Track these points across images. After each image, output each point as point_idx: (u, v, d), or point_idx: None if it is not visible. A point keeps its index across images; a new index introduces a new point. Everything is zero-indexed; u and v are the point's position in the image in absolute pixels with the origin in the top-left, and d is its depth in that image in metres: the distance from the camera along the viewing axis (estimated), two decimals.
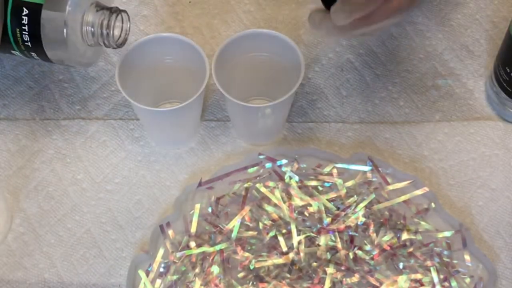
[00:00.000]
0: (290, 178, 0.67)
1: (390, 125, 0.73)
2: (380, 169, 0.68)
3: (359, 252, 0.64)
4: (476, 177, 0.71)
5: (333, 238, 0.65)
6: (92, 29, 0.61)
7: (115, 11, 0.63)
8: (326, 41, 0.77)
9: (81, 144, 0.73)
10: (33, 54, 0.60)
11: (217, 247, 0.64)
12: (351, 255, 0.64)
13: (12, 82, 0.76)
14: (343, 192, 0.67)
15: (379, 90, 0.75)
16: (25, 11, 0.57)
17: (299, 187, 0.67)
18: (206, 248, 0.64)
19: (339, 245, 0.64)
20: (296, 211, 0.66)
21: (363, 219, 0.65)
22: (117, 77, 0.65)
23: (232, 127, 0.73)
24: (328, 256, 0.64)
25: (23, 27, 0.58)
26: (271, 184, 0.67)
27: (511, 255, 0.67)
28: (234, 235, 0.65)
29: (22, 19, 0.58)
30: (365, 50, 0.77)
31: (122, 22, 0.63)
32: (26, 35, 0.58)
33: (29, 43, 0.59)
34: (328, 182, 0.68)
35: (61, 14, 0.59)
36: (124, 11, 0.63)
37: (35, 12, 0.58)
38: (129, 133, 0.73)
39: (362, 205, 0.66)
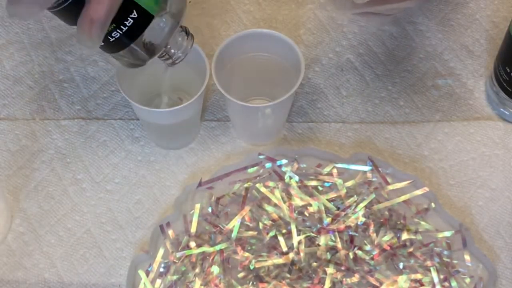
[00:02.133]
0: (290, 178, 0.67)
1: (390, 125, 0.73)
2: (380, 169, 0.68)
3: (359, 252, 0.64)
4: (476, 177, 0.71)
5: (333, 238, 0.65)
6: (181, 54, 0.61)
7: (190, 34, 0.61)
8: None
9: (81, 144, 0.73)
10: (102, 46, 0.58)
11: (217, 247, 0.64)
12: (351, 255, 0.64)
13: (12, 82, 0.76)
14: (343, 192, 0.67)
15: (379, 90, 0.75)
16: (134, 14, 0.55)
17: (299, 187, 0.67)
18: (206, 248, 0.64)
19: (339, 245, 0.64)
20: (296, 211, 0.66)
21: (363, 219, 0.65)
22: (117, 77, 0.65)
23: (232, 127, 0.73)
24: (328, 256, 0.64)
25: (121, 26, 0.55)
26: (271, 184, 0.67)
27: (511, 255, 0.67)
28: (234, 235, 0.65)
29: (127, 20, 0.55)
30: (365, 50, 0.77)
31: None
32: (118, 33, 0.55)
33: (113, 39, 0.56)
34: (328, 182, 0.68)
35: (167, 33, 0.58)
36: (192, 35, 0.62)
37: (144, 20, 0.55)
38: (129, 133, 0.73)
39: (362, 205, 0.66)
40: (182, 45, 0.61)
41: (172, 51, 0.61)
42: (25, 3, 0.51)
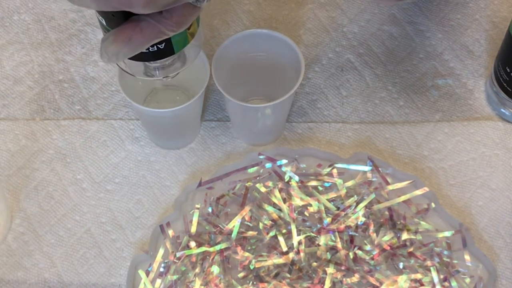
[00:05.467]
0: (290, 178, 0.67)
1: (390, 125, 0.73)
2: (380, 169, 0.68)
3: (359, 252, 0.64)
4: (476, 177, 0.71)
5: (333, 238, 0.65)
6: (162, 77, 0.61)
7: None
8: None
9: (81, 144, 0.73)
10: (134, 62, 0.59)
11: (217, 247, 0.64)
12: (351, 255, 0.64)
13: (12, 82, 0.76)
14: (343, 192, 0.67)
15: (379, 90, 0.75)
16: (162, 45, 0.55)
17: (299, 187, 0.67)
18: (206, 248, 0.64)
19: (339, 245, 0.64)
20: (296, 211, 0.66)
21: (363, 219, 0.65)
22: (118, 77, 0.66)
23: (232, 127, 0.73)
24: (328, 256, 0.64)
25: (159, 45, 0.56)
26: (271, 184, 0.67)
27: (511, 255, 0.67)
28: (234, 235, 0.65)
29: (153, 46, 0.55)
30: (365, 50, 0.77)
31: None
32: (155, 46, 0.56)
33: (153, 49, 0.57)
34: (328, 182, 0.68)
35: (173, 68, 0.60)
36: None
37: (166, 52, 0.56)
38: (129, 133, 0.73)
39: (362, 205, 0.66)
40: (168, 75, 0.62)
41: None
42: None
